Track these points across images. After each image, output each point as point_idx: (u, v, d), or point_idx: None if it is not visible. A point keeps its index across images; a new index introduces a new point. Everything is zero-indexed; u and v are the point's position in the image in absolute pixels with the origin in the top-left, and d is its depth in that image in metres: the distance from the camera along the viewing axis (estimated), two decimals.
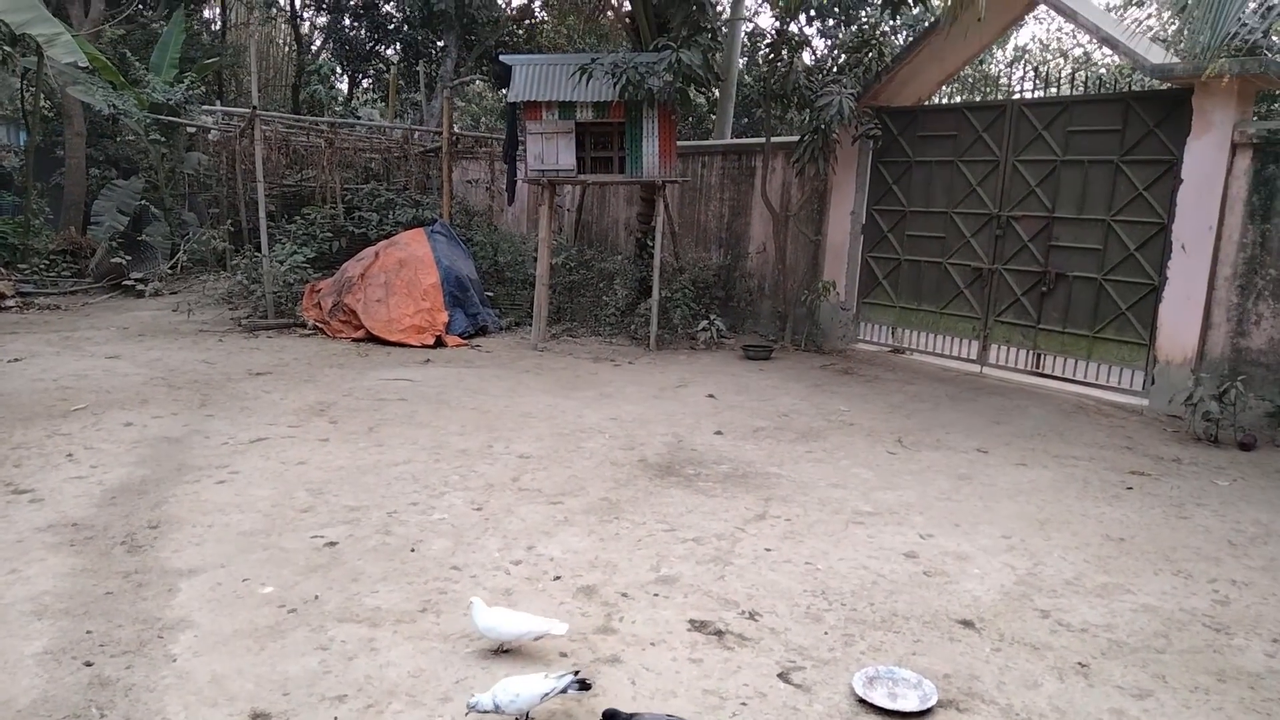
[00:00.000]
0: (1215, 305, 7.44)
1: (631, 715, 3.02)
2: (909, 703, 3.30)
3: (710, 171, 12.09)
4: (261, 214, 10.94)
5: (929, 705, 3.28)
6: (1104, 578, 4.45)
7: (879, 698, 3.33)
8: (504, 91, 13.10)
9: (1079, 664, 3.63)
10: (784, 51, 9.90)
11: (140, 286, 12.57)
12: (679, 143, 10.72)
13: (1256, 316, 7.21)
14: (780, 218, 10.57)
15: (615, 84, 9.15)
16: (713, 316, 10.50)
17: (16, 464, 5.58)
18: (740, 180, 11.66)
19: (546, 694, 3.10)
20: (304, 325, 10.53)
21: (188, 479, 5.40)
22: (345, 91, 23.71)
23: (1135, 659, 3.68)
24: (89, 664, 3.41)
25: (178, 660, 3.45)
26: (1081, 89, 8.76)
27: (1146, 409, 7.80)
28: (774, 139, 10.85)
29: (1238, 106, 7.19)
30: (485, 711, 3.04)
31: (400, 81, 19.25)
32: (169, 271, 13.53)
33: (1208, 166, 7.35)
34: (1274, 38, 7.41)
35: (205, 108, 15.29)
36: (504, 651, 3.60)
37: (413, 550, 4.53)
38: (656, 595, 4.15)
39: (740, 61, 16.07)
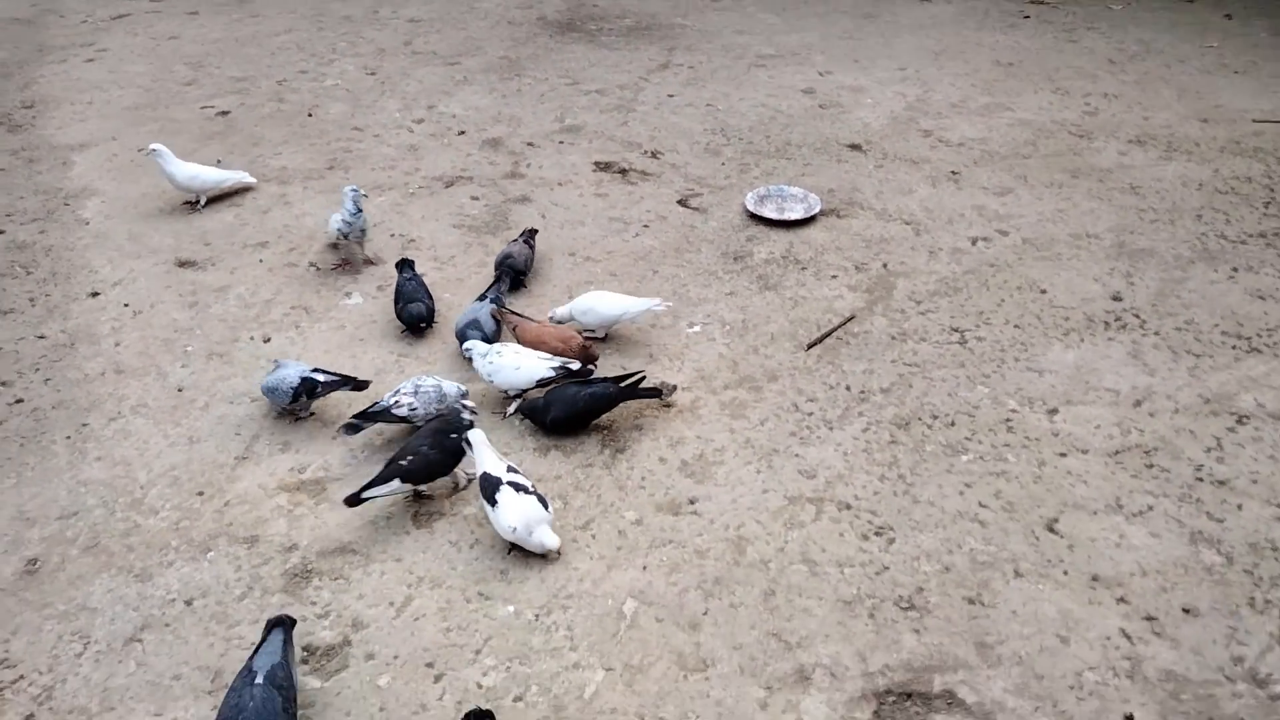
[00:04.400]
0: None
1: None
2: (795, 213, 3.61)
3: None
4: None
5: (812, 214, 3.60)
6: (987, 99, 4.65)
7: (768, 211, 3.62)
8: None
9: (951, 172, 3.94)
10: None
11: None
12: None
13: None
14: None
15: None
16: None
17: None
18: None
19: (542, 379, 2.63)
20: None
21: (52, 59, 5.03)
22: None
23: (1003, 165, 4.00)
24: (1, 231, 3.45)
25: (90, 223, 3.50)
26: None
27: None
28: None
29: None
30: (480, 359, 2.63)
31: None
32: None
33: None
34: None
35: None
36: (197, 203, 3.61)
37: (310, 115, 4.45)
38: (562, 143, 4.24)
39: None
